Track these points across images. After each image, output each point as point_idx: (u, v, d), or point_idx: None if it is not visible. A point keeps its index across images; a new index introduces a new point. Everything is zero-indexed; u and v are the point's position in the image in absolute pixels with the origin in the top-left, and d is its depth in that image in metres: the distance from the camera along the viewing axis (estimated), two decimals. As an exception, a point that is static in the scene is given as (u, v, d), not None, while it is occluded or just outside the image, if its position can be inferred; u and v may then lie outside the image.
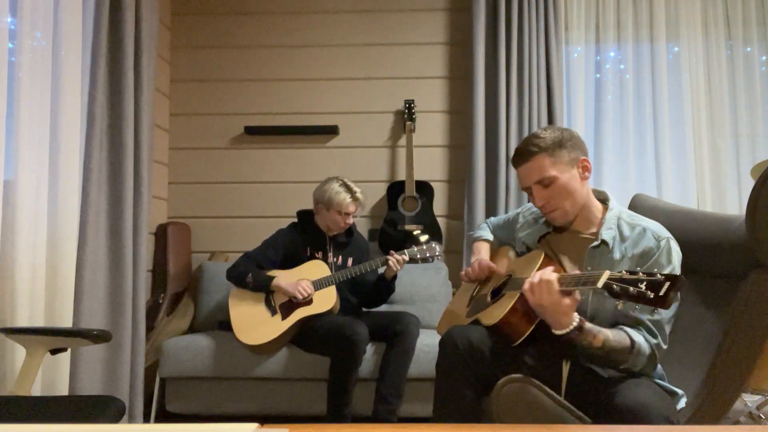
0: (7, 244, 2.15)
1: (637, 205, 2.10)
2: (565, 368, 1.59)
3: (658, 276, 1.26)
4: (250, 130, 3.55)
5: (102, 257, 2.47)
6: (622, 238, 1.60)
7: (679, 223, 1.83)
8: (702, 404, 1.43)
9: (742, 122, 3.42)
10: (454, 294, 3.26)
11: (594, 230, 1.67)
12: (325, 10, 3.64)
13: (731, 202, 3.37)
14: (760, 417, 2.44)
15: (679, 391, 1.57)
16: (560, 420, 1.42)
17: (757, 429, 1.67)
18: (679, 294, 1.48)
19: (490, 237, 2.04)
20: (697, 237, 1.73)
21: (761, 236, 1.40)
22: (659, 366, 1.61)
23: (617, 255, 1.58)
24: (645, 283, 1.26)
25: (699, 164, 3.39)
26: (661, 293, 1.23)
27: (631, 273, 1.31)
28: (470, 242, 2.09)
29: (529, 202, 1.81)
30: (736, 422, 2.39)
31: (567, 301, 1.42)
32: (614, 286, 1.31)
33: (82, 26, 2.50)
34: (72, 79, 2.44)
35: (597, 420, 1.42)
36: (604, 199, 1.73)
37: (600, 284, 1.33)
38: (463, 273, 1.93)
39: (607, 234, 1.61)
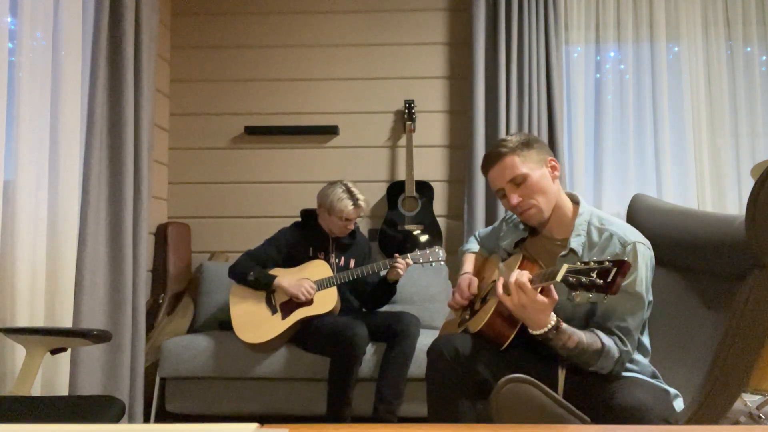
0: (7, 244, 2.15)
1: (637, 205, 2.10)
2: (561, 370, 1.59)
3: (606, 263, 1.30)
4: (250, 130, 3.55)
5: (102, 257, 2.47)
6: (591, 245, 1.61)
7: (679, 223, 1.83)
8: (702, 404, 1.43)
9: (742, 122, 3.41)
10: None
11: (565, 236, 1.67)
12: (325, 10, 3.64)
13: (731, 202, 3.37)
14: (760, 417, 2.44)
15: (673, 391, 1.57)
16: (560, 420, 1.42)
17: (757, 429, 1.67)
18: (626, 282, 1.50)
19: (477, 248, 2.05)
20: (697, 237, 1.73)
21: (761, 236, 1.40)
22: (652, 366, 1.62)
23: None
24: (596, 271, 1.31)
25: (699, 164, 3.39)
26: (609, 279, 1.27)
27: (585, 263, 1.36)
28: (459, 255, 2.10)
29: (507, 211, 1.81)
30: (736, 422, 2.39)
31: (544, 299, 1.44)
32: (570, 278, 1.35)
33: (82, 26, 2.50)
34: (72, 79, 2.43)
35: (594, 420, 1.42)
36: (575, 201, 1.73)
37: (559, 278, 1.37)
38: (450, 302, 1.88)
39: (576, 242, 1.62)
